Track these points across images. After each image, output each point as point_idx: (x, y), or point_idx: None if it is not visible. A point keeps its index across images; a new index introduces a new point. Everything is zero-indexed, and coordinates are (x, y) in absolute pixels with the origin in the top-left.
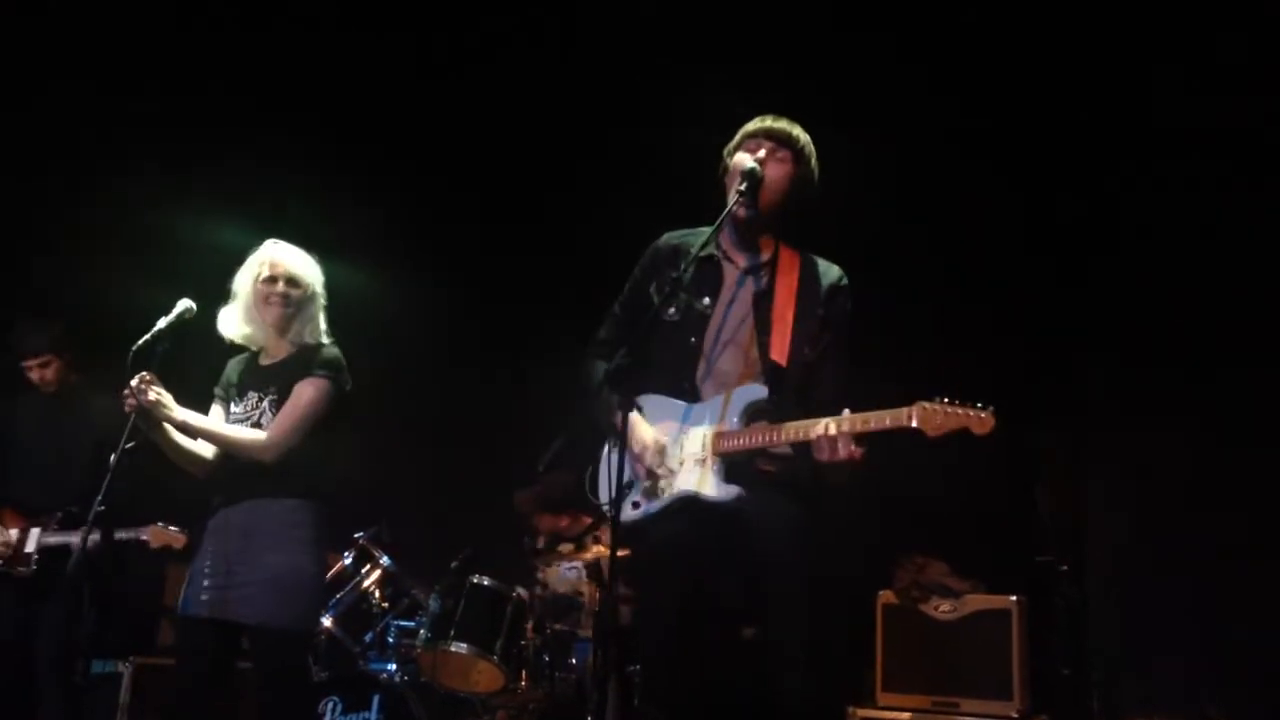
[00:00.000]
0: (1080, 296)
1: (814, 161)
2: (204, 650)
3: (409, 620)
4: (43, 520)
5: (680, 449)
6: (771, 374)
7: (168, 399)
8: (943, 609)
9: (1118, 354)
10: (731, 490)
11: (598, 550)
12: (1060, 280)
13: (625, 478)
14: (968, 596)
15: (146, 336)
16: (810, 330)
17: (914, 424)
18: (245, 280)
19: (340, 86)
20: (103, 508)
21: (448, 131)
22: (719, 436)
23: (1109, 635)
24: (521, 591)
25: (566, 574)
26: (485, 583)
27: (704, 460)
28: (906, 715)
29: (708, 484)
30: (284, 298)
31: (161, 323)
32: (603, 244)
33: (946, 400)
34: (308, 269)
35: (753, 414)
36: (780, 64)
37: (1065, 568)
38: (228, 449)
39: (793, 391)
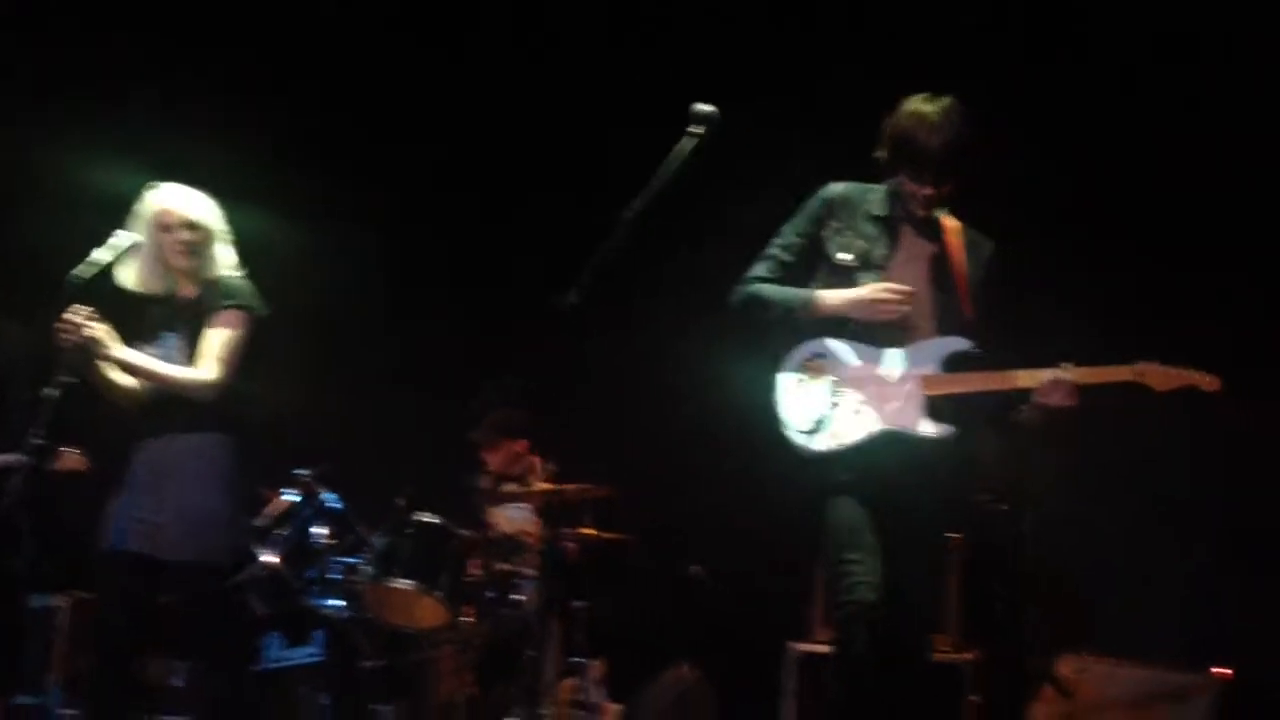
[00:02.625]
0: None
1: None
2: (130, 585)
3: (353, 557)
4: None
5: (879, 387)
6: (964, 327)
7: (108, 335)
8: None
9: (1052, 294)
10: (944, 429)
11: (544, 488)
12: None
13: (820, 411)
14: None
15: (82, 268)
16: (977, 292)
17: (1142, 380)
18: (141, 231)
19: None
20: (41, 441)
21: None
22: (929, 380)
23: (1045, 572)
24: (467, 530)
25: (514, 514)
26: (430, 520)
27: (913, 399)
28: None
29: (919, 421)
30: (188, 245)
31: (101, 254)
32: (549, 185)
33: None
34: (203, 209)
35: (955, 362)
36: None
37: (1005, 507)
38: (168, 388)
39: (982, 345)
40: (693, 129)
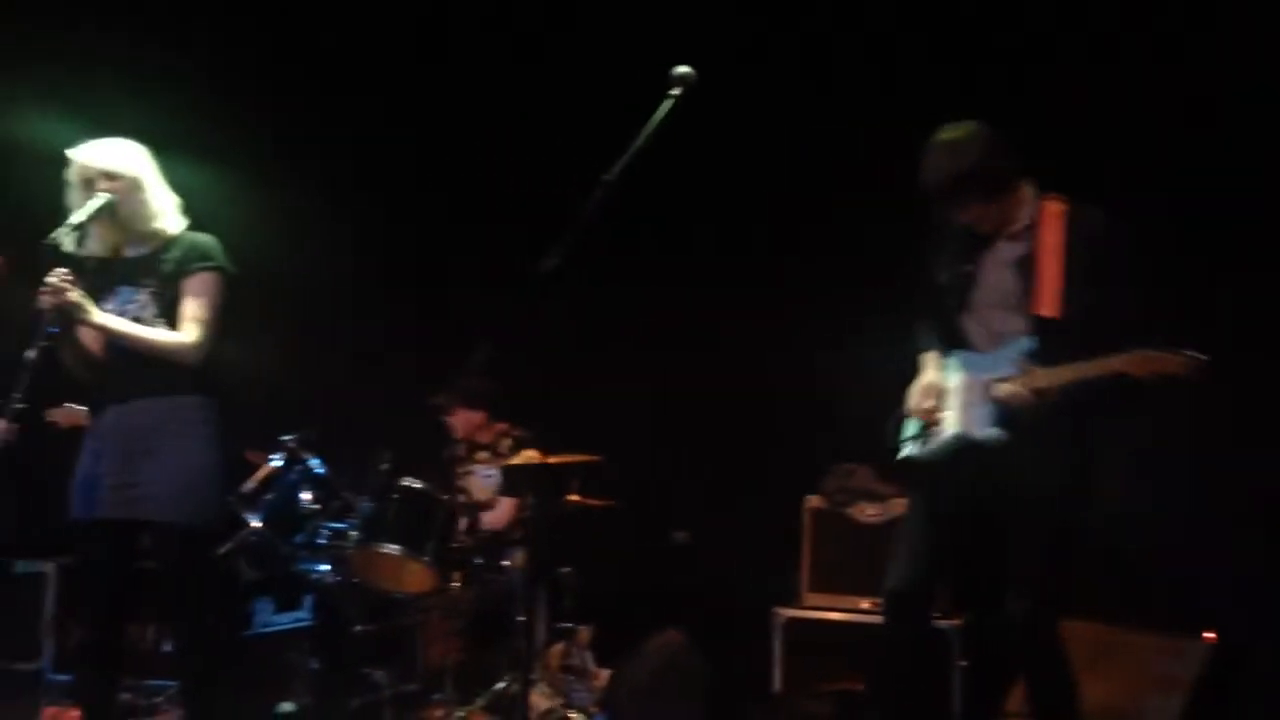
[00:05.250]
0: None
1: (984, 160)
2: (109, 552)
3: (340, 522)
4: None
5: (962, 395)
6: (1040, 328)
7: (85, 299)
8: (869, 513)
9: None
10: (996, 432)
11: (526, 456)
12: None
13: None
14: (894, 500)
15: (63, 230)
16: (1081, 281)
17: (1129, 370)
18: (71, 198)
19: None
20: (23, 404)
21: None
22: (990, 384)
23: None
24: (454, 496)
25: (485, 481)
26: (416, 485)
27: (975, 405)
28: (834, 615)
29: (975, 425)
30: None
31: (79, 216)
32: (533, 154)
33: (1152, 349)
34: (118, 158)
35: (1022, 366)
36: None
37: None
38: (149, 352)
39: (1069, 342)
40: (671, 91)
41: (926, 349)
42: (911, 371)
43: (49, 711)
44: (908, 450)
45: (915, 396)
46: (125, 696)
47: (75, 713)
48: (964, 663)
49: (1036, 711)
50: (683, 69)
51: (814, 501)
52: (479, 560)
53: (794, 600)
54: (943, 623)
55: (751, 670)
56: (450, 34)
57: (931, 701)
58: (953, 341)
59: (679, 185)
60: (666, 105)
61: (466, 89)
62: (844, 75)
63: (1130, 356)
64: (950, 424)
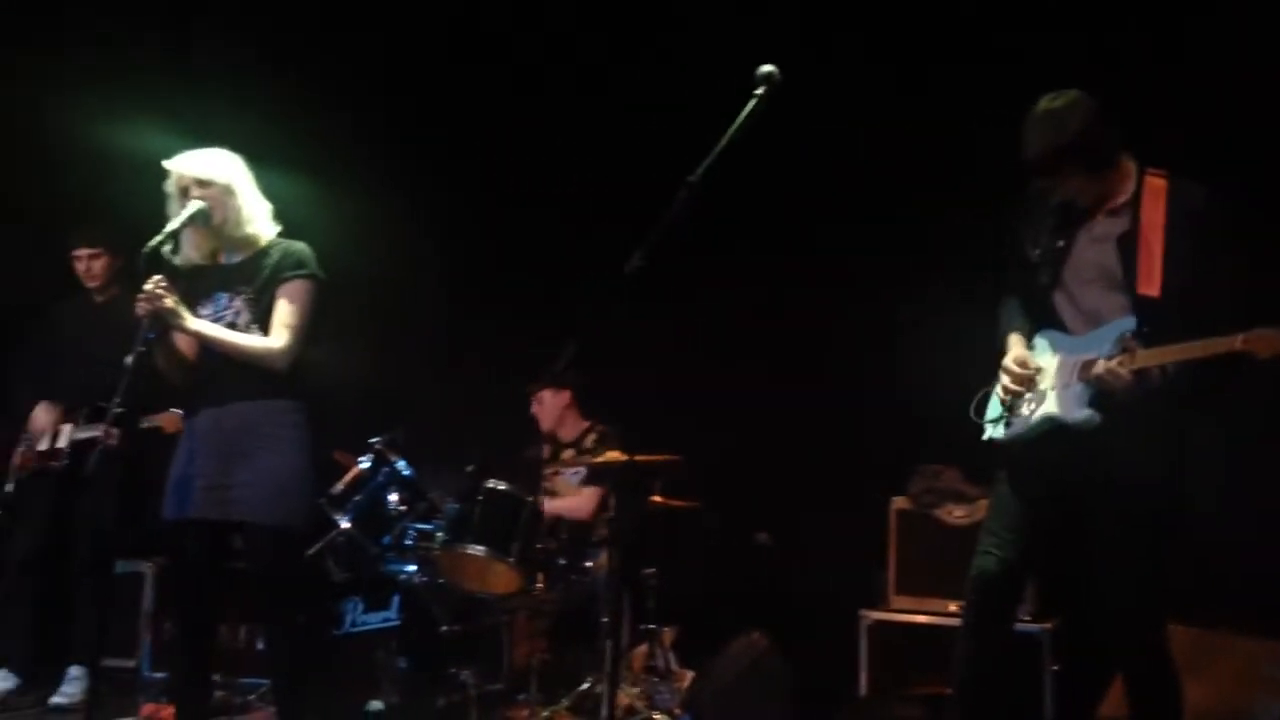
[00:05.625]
0: None
1: (1087, 131)
2: (202, 552)
3: (426, 523)
4: (74, 416)
5: (1053, 376)
6: (1143, 307)
7: (180, 305)
8: (956, 514)
9: None
10: (1086, 414)
11: (611, 456)
12: None
13: (1007, 401)
14: (981, 502)
15: (159, 238)
16: (1182, 260)
17: (1248, 348)
18: (170, 207)
19: None
20: (121, 409)
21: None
22: (1085, 365)
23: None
24: (537, 498)
25: (572, 479)
26: (501, 487)
27: (1069, 386)
28: (921, 618)
29: (1068, 408)
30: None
31: (173, 224)
32: (617, 156)
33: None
34: (211, 166)
35: (1124, 345)
36: None
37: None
38: (238, 357)
39: (1171, 322)
40: (756, 91)
41: (1012, 328)
42: (998, 363)
43: (146, 708)
44: (992, 432)
45: (1004, 375)
46: (219, 694)
47: (171, 709)
48: (1055, 667)
49: (1138, 716)
50: (767, 68)
51: (900, 503)
52: (563, 561)
53: (880, 603)
54: (1033, 625)
55: (837, 673)
56: (535, 38)
57: (1020, 707)
58: (1041, 319)
59: (762, 186)
60: (751, 105)
61: (553, 93)
62: (925, 71)
63: (1252, 335)
64: (1041, 405)
